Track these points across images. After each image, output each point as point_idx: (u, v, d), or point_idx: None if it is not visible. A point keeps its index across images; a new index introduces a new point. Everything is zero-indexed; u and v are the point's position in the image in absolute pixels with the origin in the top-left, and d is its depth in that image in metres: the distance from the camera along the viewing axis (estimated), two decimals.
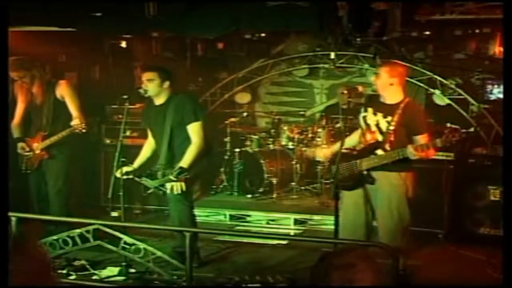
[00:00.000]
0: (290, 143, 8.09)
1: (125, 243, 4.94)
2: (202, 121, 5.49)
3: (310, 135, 8.02)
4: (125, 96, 5.75)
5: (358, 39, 7.09)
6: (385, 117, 4.96)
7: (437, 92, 7.97)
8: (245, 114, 8.76)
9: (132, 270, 5.37)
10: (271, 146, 8.24)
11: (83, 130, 5.92)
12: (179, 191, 5.40)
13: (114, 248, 4.98)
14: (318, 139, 7.94)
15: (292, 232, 7.02)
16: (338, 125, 7.77)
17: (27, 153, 6.14)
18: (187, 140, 5.48)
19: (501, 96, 7.81)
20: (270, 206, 7.60)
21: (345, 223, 5.00)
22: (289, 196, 7.93)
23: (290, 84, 9.39)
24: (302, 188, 8.09)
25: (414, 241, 5.40)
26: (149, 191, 5.67)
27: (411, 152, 4.79)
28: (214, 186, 8.33)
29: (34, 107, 6.14)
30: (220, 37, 8.50)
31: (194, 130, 5.45)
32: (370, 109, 5.04)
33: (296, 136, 8.05)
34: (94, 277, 5.38)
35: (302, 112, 9.04)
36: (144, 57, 8.97)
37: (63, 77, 6.81)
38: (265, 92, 9.51)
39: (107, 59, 8.60)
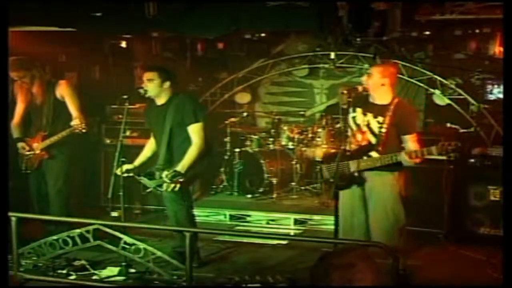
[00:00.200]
0: (290, 143, 8.10)
1: (125, 243, 4.93)
2: (203, 122, 5.49)
3: (310, 135, 8.02)
4: (125, 96, 5.74)
5: (358, 39, 7.09)
6: (375, 117, 4.96)
7: (437, 92, 7.97)
8: (245, 114, 8.76)
9: (132, 270, 5.37)
10: (271, 146, 8.24)
11: (83, 130, 5.92)
12: (170, 190, 5.41)
13: (114, 248, 4.97)
14: (318, 139, 7.94)
15: (292, 232, 7.02)
16: (338, 125, 7.77)
17: (27, 153, 6.13)
18: (186, 141, 5.47)
19: (501, 96, 7.80)
20: (270, 206, 7.60)
21: (342, 223, 5.01)
22: (289, 196, 7.93)
23: (290, 84, 9.39)
24: (302, 188, 8.09)
25: (414, 241, 5.40)
26: (148, 190, 5.68)
27: (404, 159, 4.82)
28: (214, 186, 8.33)
29: (34, 107, 6.14)
30: (220, 37, 8.49)
31: (194, 131, 5.45)
32: (359, 109, 5.04)
33: (296, 136, 8.05)
34: (94, 277, 5.38)
35: (302, 112, 9.04)
36: (144, 57, 8.97)
37: (63, 77, 6.81)
38: (265, 92, 9.51)
39: (107, 59, 8.60)
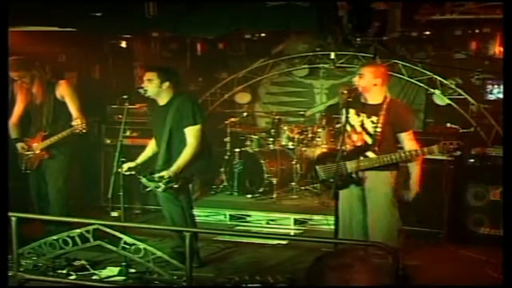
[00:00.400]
0: (290, 143, 8.10)
1: (125, 243, 4.93)
2: (201, 124, 5.48)
3: (310, 135, 8.02)
4: (125, 96, 5.75)
5: (358, 39, 7.08)
6: (369, 117, 4.97)
7: (437, 92, 7.97)
8: (245, 114, 8.77)
9: (132, 270, 5.37)
10: (271, 146, 8.25)
11: (84, 131, 5.92)
12: (162, 190, 5.43)
13: (114, 248, 4.97)
14: (318, 139, 7.95)
15: (292, 232, 7.01)
16: (338, 125, 7.76)
17: (27, 153, 6.13)
18: (185, 142, 5.48)
19: (501, 96, 7.80)
20: (270, 206, 7.60)
21: (341, 223, 5.02)
22: (289, 196, 7.93)
23: (290, 84, 9.38)
24: (302, 188, 8.09)
25: (414, 241, 5.40)
26: (148, 189, 5.69)
27: (407, 158, 4.87)
28: (214, 186, 8.33)
29: (34, 107, 6.14)
30: (220, 37, 8.49)
31: (191, 133, 5.45)
32: (352, 110, 5.04)
33: (296, 136, 8.05)
34: (94, 277, 5.38)
35: (302, 112, 9.03)
36: (144, 57, 8.97)
37: (63, 77, 6.81)
38: (265, 92, 9.50)
39: (107, 59, 8.60)
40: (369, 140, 4.97)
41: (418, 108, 8.49)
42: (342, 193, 5.02)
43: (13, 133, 6.17)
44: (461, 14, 6.78)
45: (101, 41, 8.53)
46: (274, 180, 7.82)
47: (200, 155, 5.55)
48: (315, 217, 7.10)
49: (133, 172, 5.61)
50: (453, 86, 7.92)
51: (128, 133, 7.30)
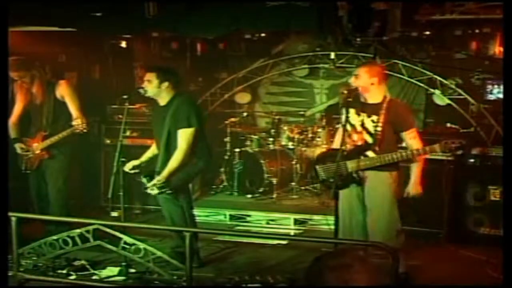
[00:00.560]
0: (290, 143, 8.10)
1: (125, 243, 4.92)
2: (196, 127, 5.45)
3: (310, 135, 8.03)
4: (125, 96, 5.75)
5: (358, 39, 7.08)
6: (369, 116, 4.96)
7: (437, 92, 7.97)
8: (245, 114, 8.77)
9: (132, 270, 5.38)
10: (271, 146, 8.25)
11: (84, 130, 5.92)
12: (156, 193, 5.44)
13: (114, 248, 4.97)
14: (318, 139, 7.95)
15: (292, 232, 7.02)
16: (338, 125, 7.75)
17: (26, 153, 6.13)
18: None
19: (501, 96, 7.80)
20: (270, 206, 7.61)
21: (341, 223, 5.02)
22: (289, 196, 7.94)
23: (290, 84, 9.38)
24: (302, 188, 8.09)
25: (414, 241, 5.40)
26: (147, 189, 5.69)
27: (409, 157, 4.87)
28: (214, 186, 8.34)
29: (33, 107, 6.14)
30: (220, 37, 8.49)
31: (182, 136, 5.42)
32: (352, 110, 5.03)
33: (296, 136, 8.05)
34: (94, 277, 5.38)
35: (302, 112, 9.03)
36: (144, 57, 8.97)
37: (63, 77, 6.81)
38: (265, 92, 9.50)
39: (107, 59, 8.60)
40: (369, 140, 4.96)
41: (418, 108, 8.49)
42: (342, 193, 5.01)
43: (12, 133, 6.17)
44: (461, 14, 6.78)
45: (101, 41, 8.52)
46: (274, 180, 7.82)
47: (199, 156, 5.55)
48: (315, 217, 7.10)
49: (137, 170, 5.62)
50: (453, 86, 7.92)
51: (128, 133, 7.31)
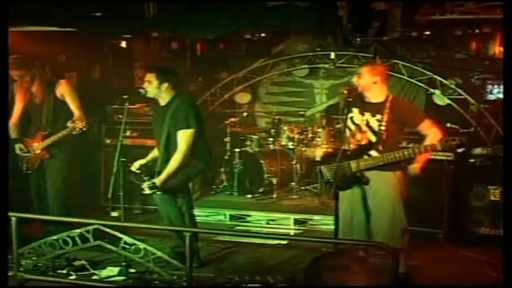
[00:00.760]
0: (290, 143, 8.09)
1: (125, 243, 4.92)
2: (196, 129, 5.45)
3: (310, 135, 8.02)
4: (125, 96, 5.74)
5: (358, 39, 7.08)
6: (373, 116, 4.95)
7: (437, 92, 7.97)
8: (245, 114, 8.77)
9: (132, 270, 5.37)
10: (271, 146, 8.24)
11: (84, 129, 5.90)
12: (148, 192, 5.45)
13: (114, 248, 4.97)
14: (318, 139, 7.94)
15: (292, 232, 7.01)
16: (338, 125, 7.76)
17: (26, 154, 6.12)
18: None
19: (501, 96, 7.80)
20: (270, 206, 7.60)
21: (343, 223, 5.02)
22: (289, 196, 7.93)
23: (290, 84, 9.38)
24: (302, 188, 8.09)
25: (414, 241, 5.40)
26: None
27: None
28: (214, 186, 8.33)
29: (33, 107, 6.13)
30: (220, 37, 8.49)
31: (182, 137, 5.42)
32: (355, 109, 5.03)
33: (296, 136, 8.05)
34: (94, 277, 5.38)
35: (302, 112, 9.03)
36: (144, 57, 8.98)
37: (63, 77, 6.80)
38: (265, 92, 9.50)
39: (107, 59, 8.60)
40: (373, 139, 4.95)
41: None
42: (343, 193, 5.01)
43: (13, 133, 6.16)
44: (461, 14, 6.78)
45: (101, 41, 8.53)
46: (274, 180, 7.82)
47: (199, 157, 5.55)
48: (315, 217, 7.10)
49: (138, 171, 5.62)
50: (453, 86, 7.92)
51: (128, 133, 7.31)
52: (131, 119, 6.88)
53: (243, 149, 8.14)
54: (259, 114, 9.33)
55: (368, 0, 6.37)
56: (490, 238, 6.19)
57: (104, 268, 5.51)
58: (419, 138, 5.12)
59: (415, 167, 5.00)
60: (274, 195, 7.81)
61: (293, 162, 7.97)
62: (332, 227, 4.93)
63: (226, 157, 8.16)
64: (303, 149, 8.08)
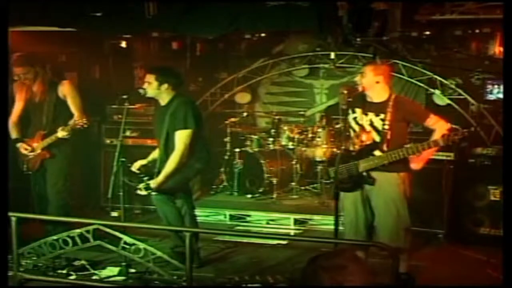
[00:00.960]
0: (290, 143, 8.09)
1: (125, 243, 4.93)
2: (193, 130, 5.44)
3: (310, 135, 8.02)
4: (125, 96, 5.74)
5: (358, 39, 7.08)
6: (377, 115, 4.94)
7: (437, 92, 7.97)
8: (245, 114, 8.76)
9: (132, 270, 5.37)
10: (271, 146, 8.24)
11: (85, 125, 5.87)
12: (143, 193, 5.45)
13: (114, 248, 4.98)
14: (318, 139, 7.94)
15: (292, 232, 7.01)
16: (338, 126, 7.76)
17: (28, 154, 6.10)
18: None
19: (501, 96, 7.80)
20: (270, 206, 7.60)
21: (346, 224, 5.01)
22: (289, 196, 7.93)
23: (290, 84, 9.38)
24: (302, 188, 8.10)
25: (414, 241, 5.39)
26: None
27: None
28: (214, 186, 8.33)
29: (33, 106, 6.09)
30: (220, 37, 8.49)
31: (180, 137, 5.43)
32: (358, 110, 5.01)
33: (296, 136, 8.05)
34: (94, 277, 5.38)
35: (302, 112, 9.03)
36: (144, 57, 8.98)
37: (63, 77, 6.80)
38: (265, 92, 9.50)
39: (107, 59, 8.60)
40: (378, 139, 4.93)
41: None
42: (347, 194, 5.00)
43: (13, 133, 6.13)
44: (461, 14, 6.79)
45: (101, 41, 8.53)
46: (274, 180, 7.82)
47: (197, 158, 5.54)
48: (315, 217, 7.10)
49: (142, 170, 5.63)
50: (453, 86, 7.92)
51: (128, 133, 7.32)
52: (131, 119, 6.88)
53: (243, 149, 8.14)
54: (259, 114, 9.33)
55: (368, 0, 6.37)
56: (490, 238, 6.19)
57: (104, 268, 5.51)
58: (420, 138, 5.11)
59: (418, 164, 4.99)
60: (274, 195, 7.81)
61: (293, 162, 7.97)
62: (332, 227, 4.91)
63: (226, 157, 8.16)
64: (303, 149, 8.08)
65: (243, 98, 9.28)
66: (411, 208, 4.98)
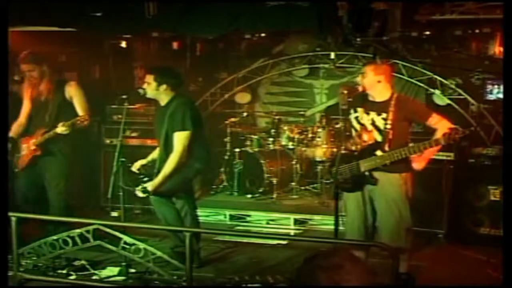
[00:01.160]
0: (290, 143, 8.09)
1: (125, 243, 4.93)
2: (191, 131, 5.43)
3: (310, 135, 8.02)
4: (124, 96, 5.73)
5: (358, 39, 7.08)
6: (379, 115, 4.93)
7: (437, 92, 7.97)
8: (245, 114, 8.76)
9: (132, 270, 5.37)
10: (271, 146, 8.24)
11: (85, 123, 5.84)
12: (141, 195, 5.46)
13: (114, 248, 4.98)
14: (318, 139, 7.94)
15: (292, 232, 7.01)
16: (338, 126, 7.76)
17: (21, 151, 6.03)
18: None
19: (501, 96, 7.80)
20: (270, 206, 7.60)
21: (347, 224, 5.01)
22: (289, 196, 7.93)
23: (290, 84, 9.38)
24: (302, 188, 8.09)
25: (414, 241, 5.39)
26: None
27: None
28: (214, 186, 8.33)
29: (38, 105, 6.05)
30: (220, 37, 8.49)
31: (177, 139, 5.43)
32: (360, 109, 5.00)
33: (296, 136, 8.05)
34: (94, 277, 5.38)
35: (302, 112, 9.03)
36: (144, 57, 8.98)
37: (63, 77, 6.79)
38: (265, 92, 9.50)
39: (107, 59, 8.60)
40: (380, 138, 4.92)
41: None
42: (349, 194, 5.00)
43: (19, 131, 6.08)
44: (461, 14, 6.79)
45: (101, 41, 8.53)
46: (274, 180, 7.82)
47: (196, 158, 5.54)
48: (315, 217, 7.10)
49: (141, 171, 5.63)
50: (453, 86, 7.92)
51: (128, 133, 7.31)
52: (131, 119, 6.88)
53: (243, 149, 8.14)
54: (259, 114, 9.33)
55: (368, 0, 6.37)
56: (490, 238, 6.19)
57: (104, 268, 5.51)
58: (419, 138, 5.11)
59: (420, 163, 4.98)
60: (274, 195, 7.81)
61: (293, 162, 7.97)
62: (332, 227, 4.92)
63: (226, 157, 8.16)
64: (303, 149, 8.08)
65: (243, 98, 9.28)
66: (411, 208, 4.98)
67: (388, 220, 4.91)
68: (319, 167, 7.87)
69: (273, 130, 8.31)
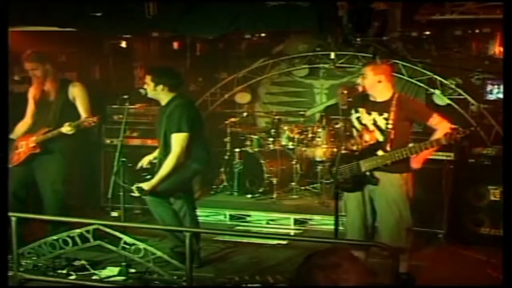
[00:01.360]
0: (290, 143, 8.09)
1: (125, 243, 4.93)
2: (187, 132, 5.42)
3: (310, 135, 8.02)
4: (125, 96, 5.73)
5: (358, 39, 7.09)
6: (381, 114, 4.92)
7: (437, 92, 7.97)
8: (245, 114, 8.76)
9: (132, 270, 5.37)
10: (271, 146, 8.24)
11: (92, 125, 5.84)
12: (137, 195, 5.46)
13: (114, 248, 4.97)
14: (318, 139, 7.94)
15: (292, 232, 7.01)
16: (338, 126, 7.75)
17: (19, 148, 6.00)
18: None
19: (501, 96, 7.80)
20: (270, 206, 7.60)
21: (347, 224, 5.01)
22: (289, 196, 7.93)
23: (290, 84, 9.38)
24: (302, 188, 8.09)
25: (415, 241, 5.39)
26: None
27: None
28: (214, 186, 8.33)
29: (42, 104, 6.04)
30: (220, 37, 8.50)
31: (175, 140, 5.42)
32: (362, 109, 5.00)
33: (296, 136, 8.05)
34: (94, 277, 5.38)
35: (302, 112, 9.03)
36: (144, 57, 8.98)
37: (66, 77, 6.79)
38: (265, 92, 9.50)
39: (107, 59, 8.60)
40: (381, 138, 4.92)
41: None
42: (350, 194, 5.00)
43: (23, 131, 6.06)
44: (461, 14, 6.80)
45: (101, 41, 8.53)
46: (274, 180, 7.82)
47: (194, 159, 5.54)
48: (315, 217, 7.10)
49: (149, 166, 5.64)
50: (453, 86, 7.92)
51: (128, 133, 7.30)
52: (131, 119, 6.88)
53: (243, 149, 8.13)
54: (259, 114, 9.33)
55: (368, 0, 6.37)
56: (490, 238, 6.19)
57: (104, 268, 5.51)
58: (419, 138, 5.11)
59: (419, 163, 4.98)
60: (274, 195, 7.81)
61: (293, 162, 7.97)
62: (332, 227, 4.91)
63: (226, 157, 8.16)
64: (303, 149, 8.08)
65: (243, 98, 9.27)
66: (412, 208, 4.98)
67: (388, 220, 4.91)
68: (319, 167, 7.87)
69: (273, 130, 8.31)
